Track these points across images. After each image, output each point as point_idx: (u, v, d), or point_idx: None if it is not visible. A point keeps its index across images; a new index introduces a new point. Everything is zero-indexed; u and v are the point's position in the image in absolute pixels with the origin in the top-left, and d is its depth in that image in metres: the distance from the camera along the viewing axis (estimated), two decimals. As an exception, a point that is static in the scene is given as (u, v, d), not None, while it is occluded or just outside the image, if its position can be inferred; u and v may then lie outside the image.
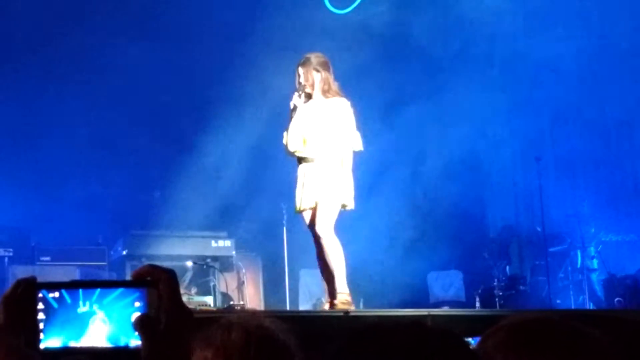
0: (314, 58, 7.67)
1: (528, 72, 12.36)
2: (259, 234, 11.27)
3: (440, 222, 11.66)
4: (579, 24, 11.97)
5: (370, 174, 11.44)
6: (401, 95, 11.63)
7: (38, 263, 9.83)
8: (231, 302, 9.80)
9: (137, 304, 1.39)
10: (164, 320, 1.36)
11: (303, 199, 7.49)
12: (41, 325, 1.36)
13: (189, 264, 10.46)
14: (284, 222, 10.39)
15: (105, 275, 9.66)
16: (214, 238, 10.74)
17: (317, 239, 7.43)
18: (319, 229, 7.37)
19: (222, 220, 11.06)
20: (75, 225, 10.77)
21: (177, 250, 10.48)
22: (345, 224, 11.04)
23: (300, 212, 7.53)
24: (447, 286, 11.39)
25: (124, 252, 10.65)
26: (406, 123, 11.50)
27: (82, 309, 1.39)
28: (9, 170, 10.95)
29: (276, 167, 10.65)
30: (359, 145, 7.61)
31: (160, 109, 11.28)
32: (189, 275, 10.40)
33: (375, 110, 11.02)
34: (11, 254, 9.65)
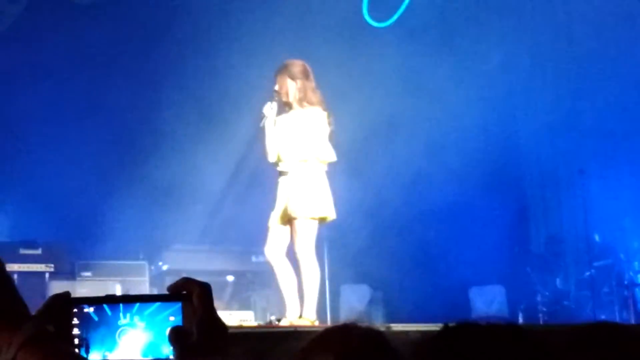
0: (291, 66, 7.62)
1: (571, 83, 12.26)
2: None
3: (482, 236, 11.57)
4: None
5: (407, 185, 11.43)
6: (445, 105, 11.57)
7: (79, 278, 9.90)
8: (272, 317, 9.75)
9: (172, 318, 1.40)
10: (197, 333, 1.36)
11: (279, 214, 7.47)
12: (77, 340, 1.36)
13: (230, 278, 10.47)
14: (325, 236, 10.35)
15: (146, 291, 9.67)
16: (254, 253, 10.74)
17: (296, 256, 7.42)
18: (298, 248, 7.36)
19: (262, 235, 11.04)
20: (115, 240, 10.82)
21: (217, 265, 10.52)
22: (384, 236, 11.04)
23: (278, 225, 7.51)
24: (489, 301, 11.30)
25: (165, 267, 10.69)
26: (447, 133, 11.46)
27: (123, 321, 1.40)
28: (49, 186, 11.02)
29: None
30: (332, 156, 7.57)
31: (204, 122, 11.31)
32: (229, 290, 10.41)
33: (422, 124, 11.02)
34: (52, 269, 9.72)
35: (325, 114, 7.59)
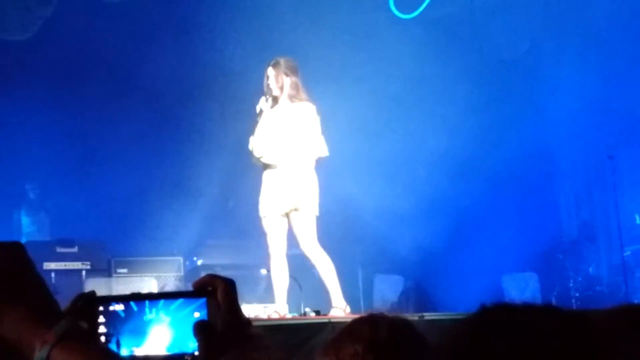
0: (285, 62, 7.64)
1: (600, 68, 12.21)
2: (333, 239, 11.30)
3: (514, 224, 11.56)
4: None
5: (437, 175, 11.44)
6: (473, 97, 11.57)
7: (115, 275, 9.95)
8: (306, 309, 9.81)
9: (197, 313, 1.43)
10: (221, 328, 1.40)
11: (270, 206, 7.49)
12: (103, 338, 1.40)
13: (264, 272, 10.51)
14: (356, 227, 10.42)
15: (182, 286, 9.75)
16: (288, 246, 10.77)
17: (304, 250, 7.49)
18: (306, 243, 7.40)
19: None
20: (150, 237, 10.92)
21: (251, 259, 10.55)
22: (415, 226, 11.07)
23: (265, 217, 7.55)
24: (522, 288, 11.29)
25: (199, 262, 10.76)
26: (475, 122, 11.46)
27: (149, 316, 1.44)
28: (85, 184, 11.16)
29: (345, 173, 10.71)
30: (324, 151, 7.58)
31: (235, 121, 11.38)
32: (263, 283, 10.46)
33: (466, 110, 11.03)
34: (88, 267, 9.79)
35: (314, 107, 7.63)
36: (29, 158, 11.23)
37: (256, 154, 7.58)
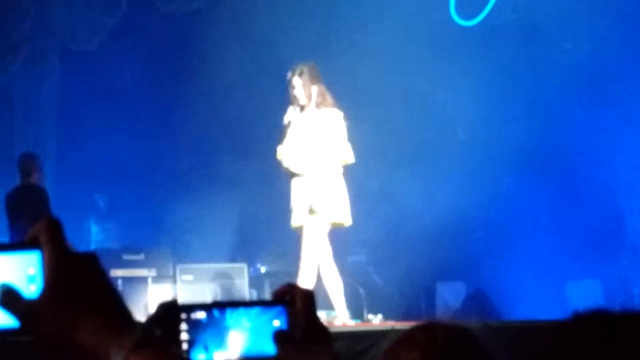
0: (309, 69, 7.55)
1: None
2: (394, 247, 11.32)
3: (576, 228, 11.46)
4: None
5: (498, 181, 11.40)
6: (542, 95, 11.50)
7: (180, 282, 10.04)
8: (369, 316, 9.85)
9: (277, 322, 1.49)
10: (299, 337, 1.45)
11: (298, 215, 7.45)
12: (185, 346, 1.45)
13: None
14: (418, 234, 10.42)
15: (246, 293, 9.82)
16: (349, 253, 10.82)
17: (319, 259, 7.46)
18: (324, 252, 7.35)
19: (357, 233, 11.15)
20: (214, 243, 11.03)
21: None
22: (477, 233, 11.02)
23: (295, 229, 7.52)
24: (585, 295, 11.19)
25: (263, 270, 10.83)
26: (539, 128, 11.41)
27: (230, 322, 1.49)
28: (150, 191, 11.32)
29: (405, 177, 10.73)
30: (350, 158, 7.51)
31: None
32: (325, 290, 10.50)
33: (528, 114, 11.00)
34: (154, 274, 9.89)
35: (341, 114, 7.58)
36: (99, 169, 11.43)
37: (285, 163, 7.57)
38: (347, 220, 7.66)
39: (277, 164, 7.73)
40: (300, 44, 10.66)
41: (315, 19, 11.42)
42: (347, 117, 7.92)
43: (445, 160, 11.18)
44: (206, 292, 9.64)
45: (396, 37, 11.25)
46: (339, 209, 7.56)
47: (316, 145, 7.47)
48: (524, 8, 11.53)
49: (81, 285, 1.25)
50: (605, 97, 11.76)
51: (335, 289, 7.63)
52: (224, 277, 10.14)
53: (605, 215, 11.85)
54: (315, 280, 7.75)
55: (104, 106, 11.42)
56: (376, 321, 8.88)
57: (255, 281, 10.63)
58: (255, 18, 11.11)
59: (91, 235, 11.53)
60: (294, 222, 7.68)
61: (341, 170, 7.61)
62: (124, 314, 1.28)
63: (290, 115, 7.56)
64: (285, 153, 7.58)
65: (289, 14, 11.33)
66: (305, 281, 7.56)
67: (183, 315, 1.47)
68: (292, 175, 7.64)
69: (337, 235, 10.66)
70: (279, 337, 1.47)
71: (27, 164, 9.49)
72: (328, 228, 7.61)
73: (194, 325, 1.47)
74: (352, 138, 7.95)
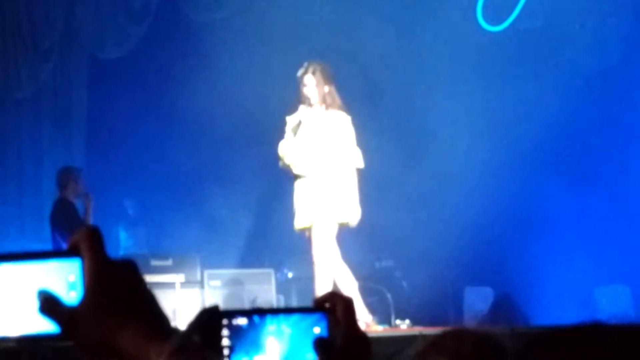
0: (322, 69, 7.41)
1: None
2: (422, 252, 11.31)
3: (606, 234, 11.41)
4: None
5: (527, 187, 11.37)
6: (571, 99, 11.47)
7: (208, 288, 10.07)
8: (396, 321, 9.86)
9: (317, 329, 1.52)
10: (341, 345, 1.48)
11: (301, 218, 7.38)
12: (226, 351, 1.49)
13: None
14: (445, 238, 10.42)
15: (273, 299, 9.85)
16: (378, 259, 10.83)
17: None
18: (315, 252, 7.29)
19: (385, 238, 11.14)
20: (242, 249, 11.08)
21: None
22: (506, 238, 11.00)
23: (300, 230, 7.45)
24: (614, 301, 11.13)
25: (290, 275, 10.85)
26: (568, 129, 11.39)
27: (270, 328, 1.52)
28: (178, 197, 11.38)
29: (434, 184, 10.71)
30: (360, 163, 7.42)
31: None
32: (354, 295, 10.52)
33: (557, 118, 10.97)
34: (182, 279, 9.93)
35: (349, 118, 7.49)
36: (128, 175, 11.51)
37: (287, 161, 7.48)
38: (353, 220, 7.59)
39: (278, 158, 7.66)
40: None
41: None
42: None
43: (474, 164, 11.15)
44: (234, 298, 9.67)
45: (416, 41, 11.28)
46: (346, 209, 7.48)
47: (324, 147, 7.38)
48: (549, 14, 11.51)
49: (120, 292, 1.27)
50: (633, 102, 11.71)
51: (350, 288, 7.58)
52: (251, 283, 10.17)
53: (635, 220, 11.78)
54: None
55: (133, 112, 11.49)
56: (404, 326, 8.88)
57: (283, 286, 10.65)
58: (283, 26, 11.14)
59: (120, 241, 11.62)
60: (297, 224, 7.63)
61: (352, 173, 7.51)
62: (163, 321, 1.30)
63: (302, 114, 7.44)
64: (290, 152, 7.49)
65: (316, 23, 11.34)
66: (323, 284, 7.54)
67: (224, 321, 1.51)
68: (296, 176, 7.58)
69: (364, 241, 10.73)
70: (320, 344, 1.49)
71: (59, 177, 9.93)
72: (336, 229, 7.56)
73: (235, 331, 1.51)
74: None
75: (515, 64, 11.56)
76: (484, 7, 11.51)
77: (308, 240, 7.73)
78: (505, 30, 11.49)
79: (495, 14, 11.53)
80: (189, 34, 11.36)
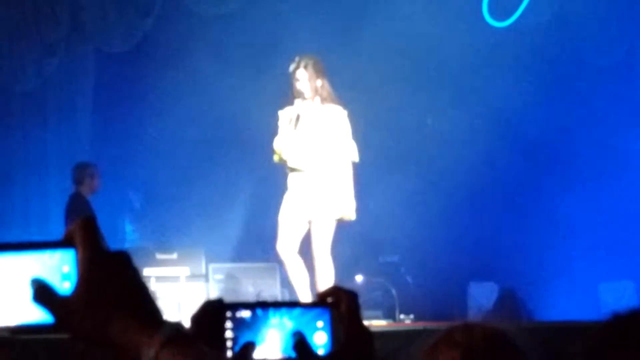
0: (314, 63, 7.38)
1: None
2: (426, 247, 11.31)
3: (610, 230, 11.39)
4: None
5: (535, 186, 11.37)
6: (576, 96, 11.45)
7: (212, 281, 10.08)
8: (401, 316, 9.87)
9: (320, 323, 1.54)
10: (344, 339, 1.50)
11: (294, 212, 7.36)
12: (229, 344, 1.52)
13: (359, 279, 10.58)
14: (449, 233, 10.41)
15: (277, 292, 9.86)
16: (381, 253, 10.83)
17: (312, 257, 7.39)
18: (316, 248, 7.26)
19: (389, 233, 11.14)
20: (246, 242, 11.08)
21: (345, 266, 10.60)
22: (510, 233, 10.99)
23: (289, 223, 7.43)
24: (618, 297, 11.12)
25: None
26: (575, 126, 11.38)
27: (273, 321, 1.54)
28: (184, 190, 11.39)
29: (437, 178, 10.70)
30: (355, 156, 7.41)
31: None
32: (358, 290, 10.51)
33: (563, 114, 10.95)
34: (187, 273, 9.94)
35: (345, 112, 7.47)
36: (133, 169, 11.52)
37: (283, 156, 7.46)
38: (350, 215, 7.57)
39: (272, 152, 7.65)
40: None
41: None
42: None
43: (479, 159, 11.15)
44: (239, 292, 9.68)
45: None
46: (342, 204, 7.47)
47: (320, 141, 7.37)
48: (556, 9, 11.49)
49: (113, 283, 1.27)
50: (639, 98, 11.70)
51: (323, 280, 7.56)
52: (256, 277, 10.17)
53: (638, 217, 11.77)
54: (307, 271, 7.70)
55: (138, 106, 11.50)
56: (408, 321, 8.89)
57: (287, 281, 10.64)
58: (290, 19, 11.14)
59: (125, 234, 11.65)
60: (295, 217, 7.59)
61: (348, 167, 7.49)
62: (155, 312, 1.30)
63: (299, 108, 7.41)
64: (286, 147, 7.48)
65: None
66: (323, 278, 7.53)
67: (228, 314, 1.52)
68: (291, 170, 7.56)
69: (369, 236, 10.74)
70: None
71: (75, 173, 9.94)
72: (334, 224, 7.54)
73: (239, 324, 1.54)
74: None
75: (517, 60, 11.52)
76: (490, 2, 11.49)
77: (298, 233, 7.71)
78: (510, 27, 11.47)
79: (501, 9, 11.50)
80: (194, 28, 11.35)
